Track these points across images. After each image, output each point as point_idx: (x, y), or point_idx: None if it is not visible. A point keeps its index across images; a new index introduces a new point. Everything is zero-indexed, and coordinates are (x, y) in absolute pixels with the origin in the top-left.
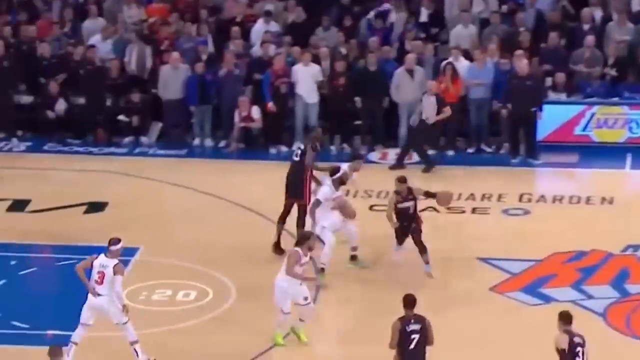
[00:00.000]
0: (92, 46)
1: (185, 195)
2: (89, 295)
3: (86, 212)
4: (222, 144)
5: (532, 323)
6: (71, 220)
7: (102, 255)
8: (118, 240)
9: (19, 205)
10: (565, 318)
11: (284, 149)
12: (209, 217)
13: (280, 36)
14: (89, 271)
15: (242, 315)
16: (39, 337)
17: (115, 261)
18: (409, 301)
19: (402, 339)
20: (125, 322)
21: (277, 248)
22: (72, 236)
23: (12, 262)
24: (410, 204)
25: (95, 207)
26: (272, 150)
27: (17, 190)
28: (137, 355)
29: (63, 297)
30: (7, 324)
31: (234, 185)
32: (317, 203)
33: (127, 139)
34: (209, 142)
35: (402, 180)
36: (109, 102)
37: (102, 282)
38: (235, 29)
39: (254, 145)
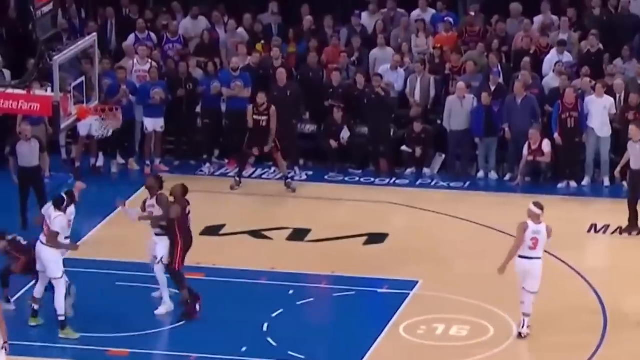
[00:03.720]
0: (377, 75)
1: (467, 229)
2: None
3: (366, 243)
4: (507, 177)
5: None
6: (350, 251)
7: (531, 224)
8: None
9: (299, 235)
10: None
11: (573, 184)
12: (491, 251)
13: (574, 67)
14: None
15: (524, 353)
16: None
17: (545, 225)
18: None
19: None
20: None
21: None
22: (351, 267)
23: (290, 292)
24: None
25: (376, 238)
26: (560, 185)
27: (298, 220)
28: (523, 325)
29: (339, 329)
30: (284, 353)
31: (518, 220)
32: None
33: (409, 170)
34: (493, 175)
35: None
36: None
37: (535, 247)
38: (526, 60)
39: (542, 180)
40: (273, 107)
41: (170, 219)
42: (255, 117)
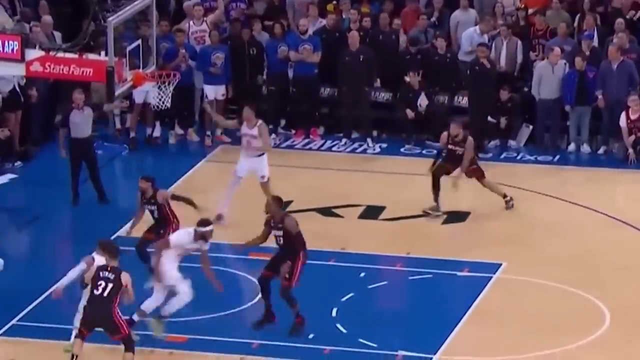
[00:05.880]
0: (483, 45)
1: (556, 207)
2: None
3: (445, 222)
4: (601, 150)
5: None
6: (428, 230)
7: None
8: None
9: (372, 212)
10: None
11: None
12: (583, 232)
13: None
14: None
15: (618, 342)
16: (388, 357)
17: None
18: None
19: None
20: None
21: None
22: (428, 248)
23: (362, 274)
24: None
25: (456, 217)
26: None
27: (371, 196)
28: None
29: (415, 315)
30: (354, 341)
31: (613, 198)
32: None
33: (493, 142)
34: (585, 148)
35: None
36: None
37: None
38: (620, 21)
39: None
40: (470, 139)
41: (290, 235)
42: (450, 146)
